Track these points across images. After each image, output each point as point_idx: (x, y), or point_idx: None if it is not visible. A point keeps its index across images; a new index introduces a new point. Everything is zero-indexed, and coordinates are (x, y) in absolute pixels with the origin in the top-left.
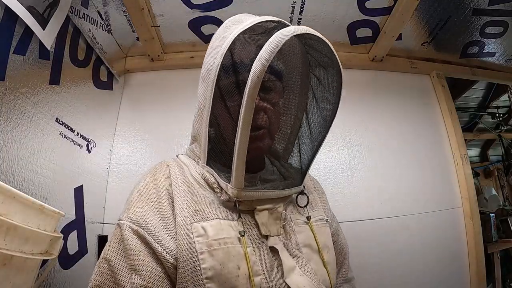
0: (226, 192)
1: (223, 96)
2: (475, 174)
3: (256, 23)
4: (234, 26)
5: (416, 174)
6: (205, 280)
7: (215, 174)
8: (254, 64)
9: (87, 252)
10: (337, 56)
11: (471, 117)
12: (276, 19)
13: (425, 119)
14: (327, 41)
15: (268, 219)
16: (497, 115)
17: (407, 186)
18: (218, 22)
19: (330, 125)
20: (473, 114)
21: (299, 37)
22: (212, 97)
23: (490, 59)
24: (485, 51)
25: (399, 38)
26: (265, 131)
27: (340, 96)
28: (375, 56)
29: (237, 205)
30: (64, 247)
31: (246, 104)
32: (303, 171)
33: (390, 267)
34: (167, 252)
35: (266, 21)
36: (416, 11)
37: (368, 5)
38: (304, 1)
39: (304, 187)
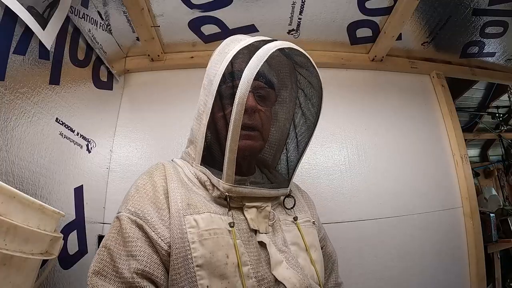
0: (217, 189)
1: (222, 101)
2: (475, 174)
3: (253, 42)
4: (233, 43)
5: (416, 174)
6: (195, 268)
7: (208, 172)
8: (244, 71)
9: (87, 252)
10: (317, 69)
11: (471, 117)
12: (270, 38)
13: (425, 119)
14: (307, 54)
15: (256, 217)
16: (497, 115)
17: (407, 186)
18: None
19: (313, 133)
20: (473, 114)
21: (284, 50)
22: (212, 103)
23: (490, 59)
24: (485, 51)
25: (399, 38)
26: (257, 133)
27: (320, 107)
28: (375, 56)
29: (228, 200)
30: (64, 247)
31: (238, 103)
32: (289, 175)
33: (390, 266)
34: (162, 240)
35: (263, 40)
36: (416, 11)
37: (368, 5)
38: (304, 1)
39: (290, 190)
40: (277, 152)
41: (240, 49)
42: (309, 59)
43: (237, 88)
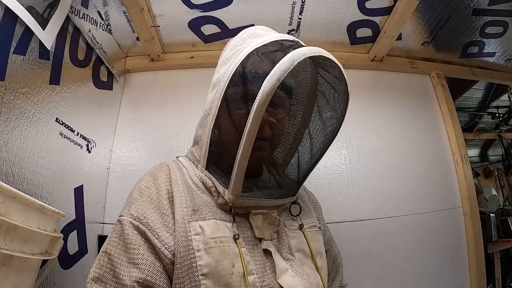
0: (222, 197)
1: (229, 106)
2: (475, 174)
3: (273, 41)
4: (250, 39)
5: (416, 174)
6: (200, 277)
7: (213, 179)
8: (265, 81)
9: (87, 252)
10: (346, 79)
11: (471, 117)
12: (291, 38)
13: (425, 119)
14: (338, 63)
15: (262, 223)
16: (497, 115)
17: (407, 186)
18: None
19: (331, 143)
20: (473, 114)
21: (311, 58)
22: (219, 106)
23: (490, 59)
24: (485, 51)
25: (399, 38)
26: (266, 143)
27: (343, 117)
28: (375, 56)
29: (233, 210)
30: (64, 247)
31: (253, 119)
32: (299, 183)
33: (390, 267)
34: (165, 248)
35: (283, 40)
36: (416, 11)
37: (368, 5)
38: (304, 1)
39: (297, 197)
40: (288, 156)
41: (254, 49)
42: (340, 69)
43: (249, 95)
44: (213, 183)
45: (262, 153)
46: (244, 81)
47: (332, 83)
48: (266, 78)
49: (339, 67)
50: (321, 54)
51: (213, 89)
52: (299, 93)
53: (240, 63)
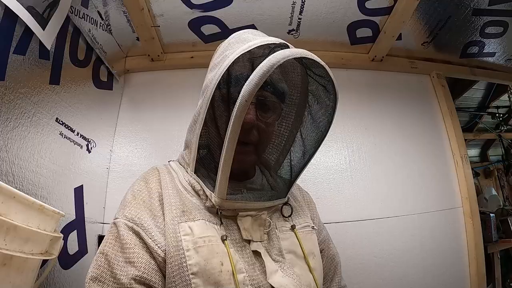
0: (210, 199)
1: (215, 112)
2: (475, 174)
3: (258, 46)
4: (237, 44)
5: (416, 174)
6: (190, 276)
7: (201, 182)
8: (243, 87)
9: (87, 252)
10: (333, 78)
11: (471, 117)
12: (278, 41)
13: (425, 119)
14: (323, 63)
15: (251, 225)
16: (497, 115)
17: (407, 186)
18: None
19: (321, 143)
20: (473, 114)
21: (298, 60)
22: (205, 112)
23: (490, 59)
24: (485, 51)
25: (399, 38)
26: (251, 147)
27: (333, 117)
28: (375, 56)
29: (219, 213)
30: (64, 247)
31: (233, 124)
32: (290, 184)
33: (390, 267)
34: (158, 247)
35: (269, 44)
36: (416, 11)
37: (368, 5)
38: (304, 1)
39: (288, 198)
40: (280, 157)
41: (240, 55)
42: (325, 69)
43: (232, 101)
44: (201, 186)
45: (247, 157)
46: (229, 87)
47: (320, 84)
48: (245, 84)
49: (324, 67)
50: (303, 56)
51: (202, 95)
52: (288, 96)
53: (225, 71)
